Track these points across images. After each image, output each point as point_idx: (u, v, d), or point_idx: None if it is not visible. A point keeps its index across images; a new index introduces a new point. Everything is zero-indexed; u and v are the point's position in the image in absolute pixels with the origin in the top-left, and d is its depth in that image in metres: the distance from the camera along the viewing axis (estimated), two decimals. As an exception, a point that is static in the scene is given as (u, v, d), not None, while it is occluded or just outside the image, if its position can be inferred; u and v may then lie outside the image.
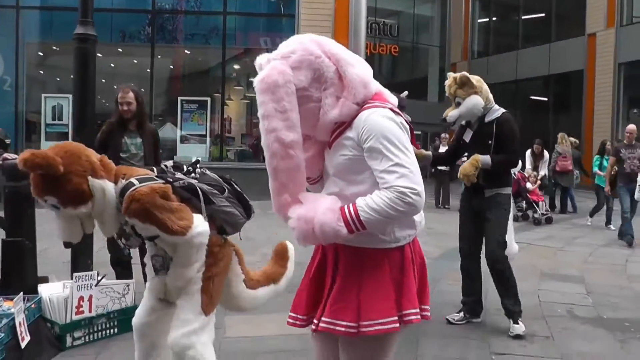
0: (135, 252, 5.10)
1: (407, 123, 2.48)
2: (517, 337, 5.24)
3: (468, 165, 5.44)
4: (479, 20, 31.92)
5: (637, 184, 10.26)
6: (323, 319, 2.49)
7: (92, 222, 3.44)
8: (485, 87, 5.54)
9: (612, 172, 11.54)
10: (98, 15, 16.94)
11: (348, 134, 2.43)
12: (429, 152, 5.95)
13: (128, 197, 3.23)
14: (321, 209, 2.35)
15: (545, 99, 28.68)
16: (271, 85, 2.31)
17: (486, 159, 5.40)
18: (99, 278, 5.04)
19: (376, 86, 2.52)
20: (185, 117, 17.91)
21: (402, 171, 2.28)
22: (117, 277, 5.70)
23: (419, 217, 2.52)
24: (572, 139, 16.31)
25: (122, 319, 5.05)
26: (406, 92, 5.31)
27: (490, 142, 5.44)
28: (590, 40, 24.59)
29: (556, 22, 27.55)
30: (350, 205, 2.34)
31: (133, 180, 3.34)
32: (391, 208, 2.26)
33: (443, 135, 17.50)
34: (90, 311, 4.91)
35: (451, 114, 5.57)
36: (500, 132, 5.40)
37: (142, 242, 3.51)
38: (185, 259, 3.40)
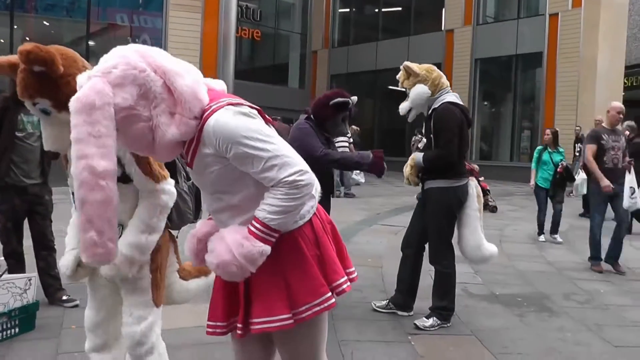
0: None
1: (252, 107, 2.29)
2: (416, 327, 5.18)
3: (406, 166, 5.36)
4: (340, 10, 32.29)
5: (627, 186, 7.91)
6: (253, 320, 2.32)
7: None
8: (436, 74, 5.34)
9: (560, 170, 9.95)
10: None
11: (204, 150, 2.22)
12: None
13: None
14: (232, 244, 2.19)
15: (404, 89, 29.40)
16: (87, 107, 2.03)
17: (419, 158, 5.29)
18: (0, 273, 4.52)
19: (206, 87, 2.31)
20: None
21: (278, 162, 2.15)
22: (10, 272, 5.14)
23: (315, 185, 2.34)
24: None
25: (23, 317, 4.54)
26: (355, 98, 5.17)
27: (431, 135, 5.29)
28: (448, 36, 25.57)
29: (415, 17, 28.40)
30: (254, 221, 2.20)
31: None
32: (290, 200, 2.16)
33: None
34: (-11, 310, 4.35)
35: (401, 106, 5.44)
36: (434, 125, 5.22)
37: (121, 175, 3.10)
38: (144, 221, 3.08)
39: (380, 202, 14.72)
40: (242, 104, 2.24)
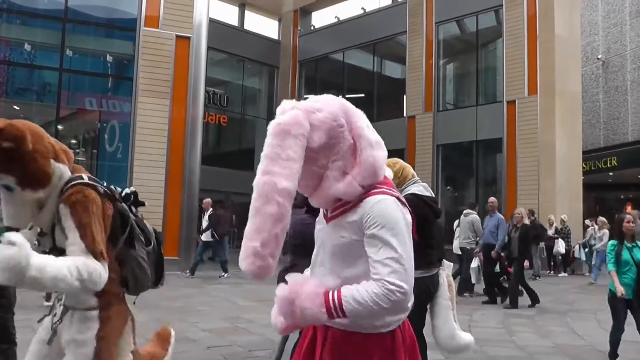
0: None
1: (410, 214, 2.43)
2: None
3: None
4: (305, 96, 32.70)
5: None
6: None
7: (37, 207, 3.12)
8: (399, 166, 5.36)
9: None
10: None
11: (351, 217, 2.35)
12: None
13: (76, 186, 3.06)
14: (305, 292, 2.25)
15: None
16: (283, 132, 2.23)
17: None
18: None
19: (385, 172, 2.47)
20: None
21: (396, 267, 2.21)
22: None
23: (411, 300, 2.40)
24: None
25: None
26: None
27: None
28: (410, 122, 26.06)
29: (377, 103, 28.98)
30: (335, 292, 2.25)
31: (83, 175, 3.19)
32: (375, 304, 2.19)
33: None
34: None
35: None
36: None
37: (52, 249, 3.15)
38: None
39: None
40: (405, 205, 2.39)
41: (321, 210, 2.59)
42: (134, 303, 3.49)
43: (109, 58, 18.66)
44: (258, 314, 10.06)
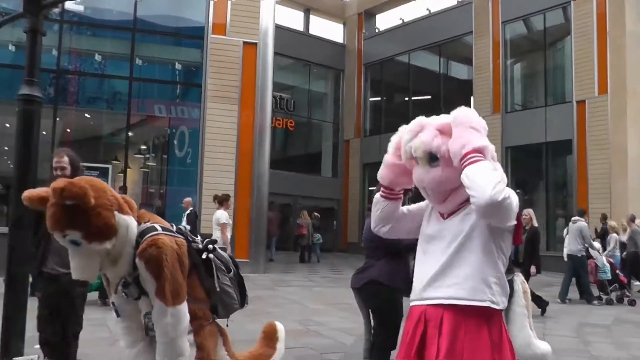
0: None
1: (517, 219, 2.71)
2: None
3: None
4: (371, 99, 32.76)
5: None
6: None
7: (108, 261, 3.25)
8: None
9: None
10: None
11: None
12: None
13: (149, 240, 3.18)
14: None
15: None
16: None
17: None
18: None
19: None
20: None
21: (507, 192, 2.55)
22: (45, 358, 5.16)
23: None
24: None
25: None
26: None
27: None
28: (477, 124, 25.66)
29: (444, 105, 28.71)
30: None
31: (156, 225, 3.31)
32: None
33: None
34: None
35: None
36: None
37: (140, 294, 3.34)
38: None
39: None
40: None
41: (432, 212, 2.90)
42: (227, 325, 3.72)
43: (177, 66, 19.02)
44: (329, 317, 10.10)
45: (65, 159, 5.42)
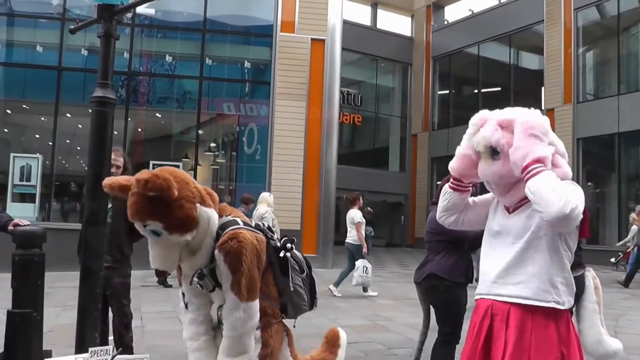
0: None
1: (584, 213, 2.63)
2: None
3: None
4: (439, 92, 32.48)
5: None
6: None
7: (187, 251, 3.30)
8: None
9: None
10: (68, 75, 16.68)
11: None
12: None
13: (231, 233, 3.22)
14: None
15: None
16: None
17: None
18: (115, 353, 4.72)
19: None
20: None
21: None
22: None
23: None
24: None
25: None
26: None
27: None
28: (549, 115, 25.02)
29: (514, 97, 28.23)
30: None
31: (238, 219, 3.37)
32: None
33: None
34: (105, 388, 4.59)
35: None
36: None
37: (214, 287, 3.39)
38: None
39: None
40: None
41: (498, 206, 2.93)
42: (294, 326, 3.78)
43: (246, 64, 19.26)
44: (397, 312, 10.12)
45: (121, 158, 5.65)
